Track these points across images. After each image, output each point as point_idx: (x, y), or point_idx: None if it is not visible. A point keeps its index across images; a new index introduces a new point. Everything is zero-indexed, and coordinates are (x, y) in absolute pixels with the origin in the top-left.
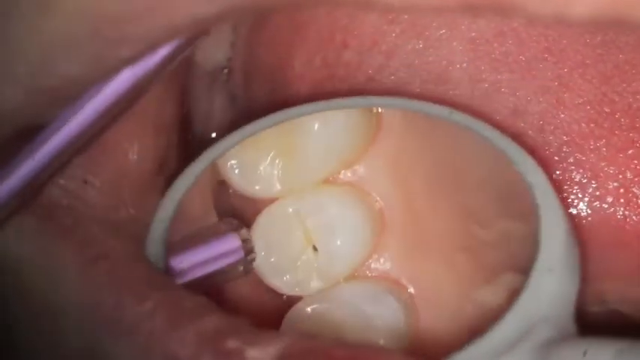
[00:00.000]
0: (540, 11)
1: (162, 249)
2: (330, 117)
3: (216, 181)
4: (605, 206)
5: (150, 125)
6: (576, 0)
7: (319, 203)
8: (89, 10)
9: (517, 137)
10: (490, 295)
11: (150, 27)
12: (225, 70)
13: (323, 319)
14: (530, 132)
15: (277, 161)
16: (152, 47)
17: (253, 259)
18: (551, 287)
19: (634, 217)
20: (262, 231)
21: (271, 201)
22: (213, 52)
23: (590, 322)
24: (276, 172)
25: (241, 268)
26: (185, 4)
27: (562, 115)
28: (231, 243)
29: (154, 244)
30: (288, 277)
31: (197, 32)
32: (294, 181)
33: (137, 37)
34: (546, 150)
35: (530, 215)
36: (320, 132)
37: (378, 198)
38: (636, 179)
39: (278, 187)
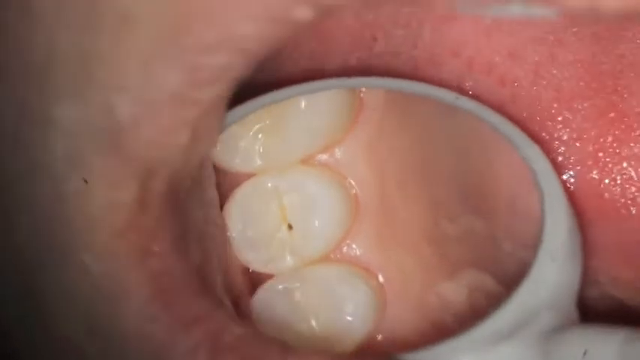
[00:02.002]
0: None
1: None
2: (316, 97)
3: None
4: (585, 170)
5: None
6: None
7: (299, 182)
8: (162, 18)
9: (512, 84)
10: (452, 290)
11: (231, 32)
12: None
13: (293, 298)
14: (523, 82)
15: (260, 136)
16: (245, 54)
17: None
18: (553, 276)
19: (610, 183)
20: (240, 205)
21: (250, 176)
22: None
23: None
24: (257, 147)
25: None
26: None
27: (554, 71)
28: None
29: None
30: (262, 253)
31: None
32: (275, 157)
33: (223, 43)
34: (537, 104)
35: (494, 214)
36: (306, 111)
37: (353, 183)
38: (615, 144)
39: (258, 162)
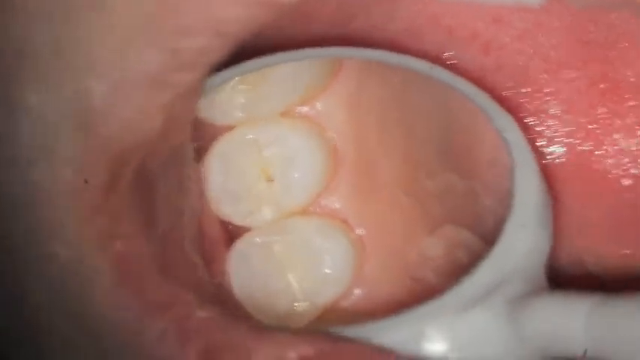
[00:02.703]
0: None
1: None
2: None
3: None
4: (576, 142)
5: None
6: None
7: (279, 134)
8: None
9: (496, 52)
10: (431, 245)
11: (210, 16)
12: None
13: (271, 251)
14: (509, 49)
15: (240, 87)
16: (226, 37)
17: None
18: (524, 243)
19: (602, 155)
20: (219, 157)
21: (230, 129)
22: None
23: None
24: (237, 99)
25: None
26: None
27: (541, 38)
28: None
29: None
30: (241, 206)
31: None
32: (255, 110)
33: (202, 27)
34: (525, 74)
35: (473, 173)
36: (287, 65)
37: (333, 135)
38: (605, 115)
39: (238, 114)
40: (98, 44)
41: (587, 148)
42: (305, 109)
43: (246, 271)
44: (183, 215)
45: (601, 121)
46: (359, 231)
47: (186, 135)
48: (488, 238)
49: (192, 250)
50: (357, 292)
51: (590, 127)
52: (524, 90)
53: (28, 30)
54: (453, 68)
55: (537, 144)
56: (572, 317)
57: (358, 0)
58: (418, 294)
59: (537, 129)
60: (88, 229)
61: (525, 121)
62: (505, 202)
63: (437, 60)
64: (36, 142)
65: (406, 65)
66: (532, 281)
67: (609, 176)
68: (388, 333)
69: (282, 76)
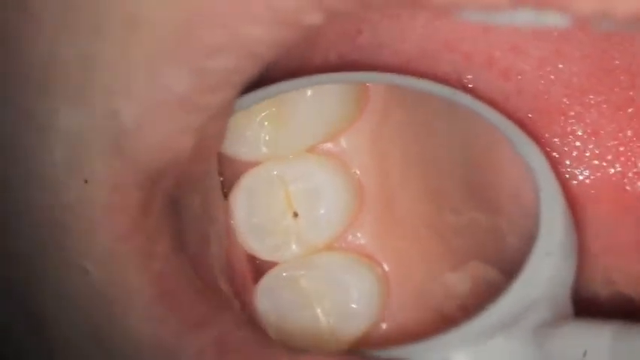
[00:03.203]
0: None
1: None
2: (322, 88)
3: None
4: (605, 164)
5: None
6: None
7: (304, 170)
8: (169, 21)
9: (516, 78)
10: (456, 281)
11: (239, 35)
12: None
13: (298, 285)
14: (529, 76)
15: (266, 124)
16: (254, 58)
17: None
18: (549, 271)
19: (633, 178)
20: (245, 193)
21: (256, 165)
22: None
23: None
24: (263, 135)
25: None
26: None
27: (561, 66)
28: None
29: None
30: (267, 241)
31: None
32: (281, 146)
33: (231, 46)
34: (546, 98)
35: (497, 208)
36: (312, 100)
37: (357, 172)
38: (635, 138)
39: (264, 150)
40: (128, 62)
41: (617, 170)
42: (330, 145)
43: (274, 306)
44: (209, 242)
45: (631, 144)
46: (384, 266)
47: (214, 160)
48: (513, 275)
49: (222, 279)
50: (384, 326)
51: (619, 149)
52: (547, 112)
53: (55, 44)
54: (473, 93)
55: (563, 167)
56: (596, 344)
57: (361, 16)
58: (444, 329)
59: (564, 149)
60: (123, 248)
61: (550, 142)
62: (529, 238)
63: (456, 85)
64: (67, 161)
65: (428, 90)
66: (557, 309)
67: (635, 199)
68: (415, 358)
69: (307, 112)
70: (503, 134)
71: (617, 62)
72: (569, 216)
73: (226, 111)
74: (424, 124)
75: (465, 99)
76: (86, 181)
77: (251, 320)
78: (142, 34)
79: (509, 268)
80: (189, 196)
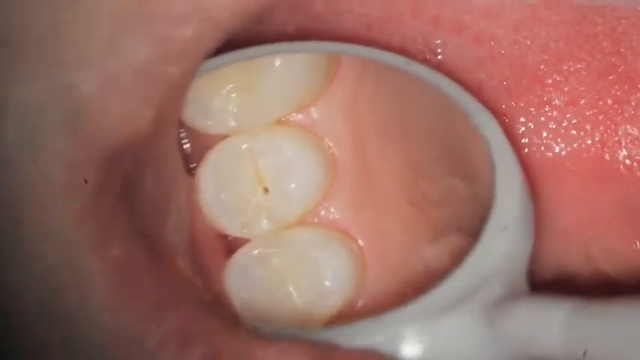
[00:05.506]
0: None
1: None
2: (292, 57)
3: None
4: (583, 134)
5: None
6: None
7: (274, 143)
8: None
9: (489, 43)
10: (434, 254)
11: (201, 3)
12: None
13: (270, 263)
14: (503, 41)
15: (233, 96)
16: (216, 26)
17: None
18: (504, 246)
19: (614, 145)
20: (213, 168)
21: (223, 138)
22: None
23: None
24: (230, 107)
25: None
26: None
27: (537, 31)
28: None
29: None
30: (236, 217)
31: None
32: (249, 118)
33: (193, 14)
34: (522, 65)
35: (477, 176)
36: (280, 69)
37: (330, 143)
38: (616, 106)
39: (232, 123)
40: (85, 33)
41: (596, 139)
42: (300, 117)
43: (245, 284)
44: (169, 219)
45: (611, 112)
46: (360, 241)
47: (173, 134)
48: None
49: (185, 259)
50: (360, 303)
51: (599, 118)
52: (523, 80)
53: (6, 11)
54: (443, 59)
55: (539, 138)
56: (549, 321)
57: None
58: None
59: (540, 119)
60: (81, 231)
61: (526, 112)
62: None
63: (425, 51)
64: (22, 139)
65: (381, 59)
66: (512, 285)
67: (621, 167)
68: (367, 335)
69: (276, 82)
70: (457, 104)
71: (599, 27)
72: (526, 189)
73: (187, 82)
74: (400, 92)
75: (420, 70)
76: (35, 161)
77: (218, 304)
78: (102, 1)
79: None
80: (147, 172)
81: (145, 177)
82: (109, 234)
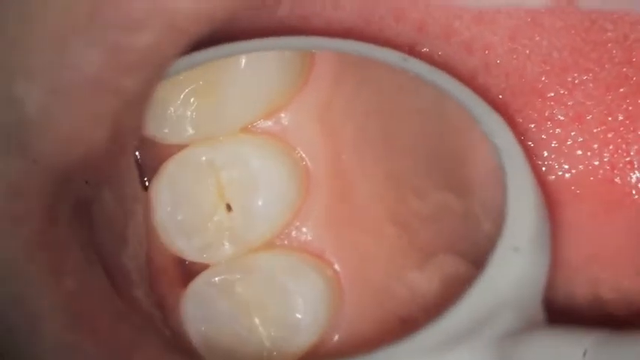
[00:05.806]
0: None
1: None
2: (259, 55)
3: None
4: (590, 155)
5: None
6: None
7: (238, 154)
8: None
9: (482, 52)
10: (423, 279)
11: (158, 8)
12: None
13: (233, 292)
14: (498, 50)
15: (192, 100)
16: (177, 33)
17: None
18: (516, 269)
19: (624, 169)
20: (168, 182)
21: (180, 148)
22: None
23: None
24: (188, 113)
25: None
26: None
27: (538, 38)
28: None
29: None
30: (195, 239)
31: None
32: (210, 125)
33: (150, 20)
34: (520, 77)
35: (472, 190)
36: (246, 70)
37: (303, 154)
38: (628, 122)
39: (190, 131)
40: (31, 39)
41: (605, 160)
42: (269, 123)
43: (205, 316)
44: (127, 244)
45: (622, 129)
46: (336, 266)
47: (131, 153)
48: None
49: (141, 289)
50: (337, 338)
51: (608, 136)
52: (521, 95)
53: None
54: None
55: (540, 159)
56: (572, 356)
57: None
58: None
59: (541, 137)
60: (30, 264)
61: (525, 129)
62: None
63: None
64: None
65: (373, 56)
66: (526, 314)
67: (634, 191)
68: None
69: (240, 85)
70: (463, 106)
71: (609, 34)
72: (542, 204)
73: (146, 96)
74: (383, 94)
75: (419, 66)
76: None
77: (177, 339)
78: (48, 6)
79: (485, 262)
80: (103, 194)
81: (101, 199)
82: (61, 265)
